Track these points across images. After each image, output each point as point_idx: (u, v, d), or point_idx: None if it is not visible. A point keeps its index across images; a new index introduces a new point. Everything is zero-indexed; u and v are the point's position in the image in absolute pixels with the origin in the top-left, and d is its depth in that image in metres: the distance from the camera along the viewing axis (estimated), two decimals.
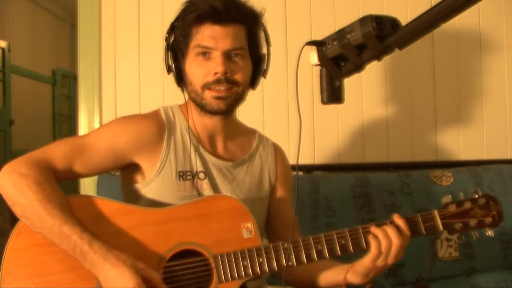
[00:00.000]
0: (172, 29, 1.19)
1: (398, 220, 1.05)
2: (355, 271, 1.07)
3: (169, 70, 1.19)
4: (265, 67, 1.23)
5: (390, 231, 1.03)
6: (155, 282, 1.00)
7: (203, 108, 1.17)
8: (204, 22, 1.13)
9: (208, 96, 1.14)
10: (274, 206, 1.30)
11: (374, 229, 1.04)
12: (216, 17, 1.12)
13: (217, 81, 1.13)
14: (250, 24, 1.18)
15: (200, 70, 1.14)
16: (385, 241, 1.02)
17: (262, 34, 1.22)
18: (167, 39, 1.19)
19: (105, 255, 0.99)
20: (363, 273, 1.06)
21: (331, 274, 1.15)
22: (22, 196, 1.02)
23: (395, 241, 1.02)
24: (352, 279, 1.09)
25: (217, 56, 1.13)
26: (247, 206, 1.09)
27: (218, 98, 1.14)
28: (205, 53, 1.14)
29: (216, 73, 1.12)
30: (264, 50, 1.24)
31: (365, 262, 1.04)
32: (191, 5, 1.16)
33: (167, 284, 1.03)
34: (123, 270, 0.97)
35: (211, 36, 1.13)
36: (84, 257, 0.99)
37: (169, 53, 1.18)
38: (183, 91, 1.21)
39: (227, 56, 1.14)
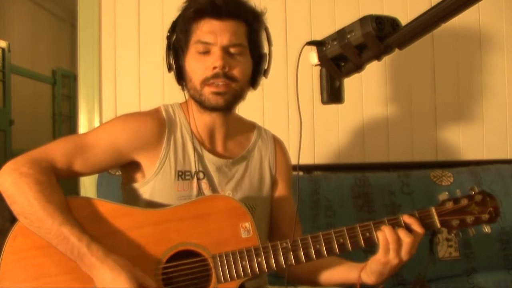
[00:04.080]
0: (174, 27, 1.19)
1: (407, 219, 1.05)
2: (370, 270, 1.07)
3: (169, 68, 1.19)
4: (266, 67, 1.23)
5: (400, 232, 1.03)
6: None
7: (202, 104, 1.17)
8: (204, 17, 1.14)
9: (207, 91, 1.14)
10: (276, 200, 1.29)
11: (383, 227, 1.04)
12: (216, 11, 1.13)
13: (215, 76, 1.12)
14: (251, 21, 1.18)
15: (199, 66, 1.14)
16: (392, 236, 1.02)
17: (264, 34, 1.22)
18: (168, 38, 1.19)
19: (103, 258, 0.98)
20: (378, 271, 1.06)
21: (341, 271, 1.15)
22: (22, 195, 1.01)
23: (406, 239, 1.02)
24: (366, 278, 1.09)
25: (216, 51, 1.13)
26: (245, 206, 1.09)
27: (216, 93, 1.14)
28: (205, 50, 1.14)
29: (214, 68, 1.12)
30: (266, 50, 1.23)
31: (379, 256, 1.04)
32: (192, 1, 1.17)
33: (166, 285, 1.02)
34: (119, 274, 0.97)
35: (210, 31, 1.13)
36: (81, 259, 0.99)
37: (170, 51, 1.18)
38: (183, 89, 1.21)
39: (226, 51, 1.14)
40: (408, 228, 1.04)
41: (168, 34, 1.19)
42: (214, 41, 1.13)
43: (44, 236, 1.01)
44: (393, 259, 1.03)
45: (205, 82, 1.14)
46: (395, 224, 1.05)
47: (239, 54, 1.15)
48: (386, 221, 1.05)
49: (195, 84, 1.15)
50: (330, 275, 1.17)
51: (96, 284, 0.99)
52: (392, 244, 1.02)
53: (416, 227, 1.04)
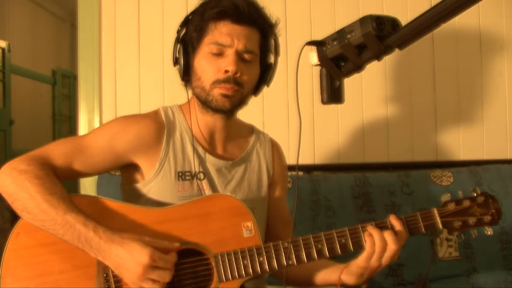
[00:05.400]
0: (186, 22, 1.18)
1: (395, 221, 1.06)
2: (350, 272, 1.08)
3: (175, 63, 1.19)
4: (269, 77, 1.24)
5: (387, 235, 1.03)
6: (165, 248, 1.00)
7: (207, 104, 1.17)
8: (224, 19, 1.14)
9: (217, 92, 1.14)
10: (271, 202, 1.30)
11: (371, 229, 1.04)
12: (237, 16, 1.13)
13: (227, 80, 1.13)
14: (266, 31, 1.19)
15: (211, 67, 1.14)
16: (380, 242, 1.02)
17: (272, 43, 1.23)
18: (178, 32, 1.18)
19: (111, 237, 0.99)
20: (358, 273, 1.06)
21: (326, 273, 1.15)
22: (23, 191, 1.01)
23: (391, 246, 1.02)
24: (346, 279, 1.09)
25: (230, 54, 1.13)
26: (247, 205, 1.09)
27: (225, 96, 1.14)
28: (219, 51, 1.14)
29: (226, 71, 1.12)
30: (272, 60, 1.24)
31: (359, 261, 1.05)
32: (213, 1, 1.16)
33: (168, 284, 1.02)
34: (131, 246, 0.98)
35: (228, 34, 1.13)
36: (89, 244, 0.99)
37: (179, 46, 1.17)
38: (185, 86, 1.21)
39: (240, 56, 1.14)
40: (394, 231, 1.04)
41: (179, 28, 1.19)
42: (230, 44, 1.13)
43: (50, 228, 1.01)
44: (373, 264, 1.03)
45: (216, 83, 1.14)
46: (383, 227, 1.05)
47: (251, 61, 1.16)
48: (374, 224, 1.05)
49: (204, 83, 1.15)
50: (317, 275, 1.18)
51: (112, 266, 0.99)
52: (378, 248, 1.02)
53: (402, 231, 1.04)
